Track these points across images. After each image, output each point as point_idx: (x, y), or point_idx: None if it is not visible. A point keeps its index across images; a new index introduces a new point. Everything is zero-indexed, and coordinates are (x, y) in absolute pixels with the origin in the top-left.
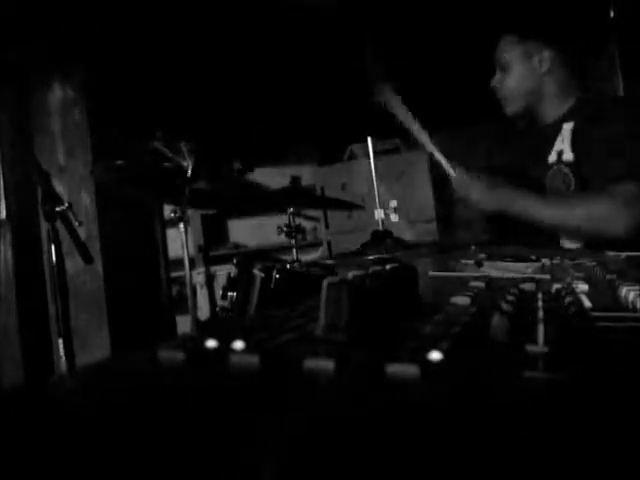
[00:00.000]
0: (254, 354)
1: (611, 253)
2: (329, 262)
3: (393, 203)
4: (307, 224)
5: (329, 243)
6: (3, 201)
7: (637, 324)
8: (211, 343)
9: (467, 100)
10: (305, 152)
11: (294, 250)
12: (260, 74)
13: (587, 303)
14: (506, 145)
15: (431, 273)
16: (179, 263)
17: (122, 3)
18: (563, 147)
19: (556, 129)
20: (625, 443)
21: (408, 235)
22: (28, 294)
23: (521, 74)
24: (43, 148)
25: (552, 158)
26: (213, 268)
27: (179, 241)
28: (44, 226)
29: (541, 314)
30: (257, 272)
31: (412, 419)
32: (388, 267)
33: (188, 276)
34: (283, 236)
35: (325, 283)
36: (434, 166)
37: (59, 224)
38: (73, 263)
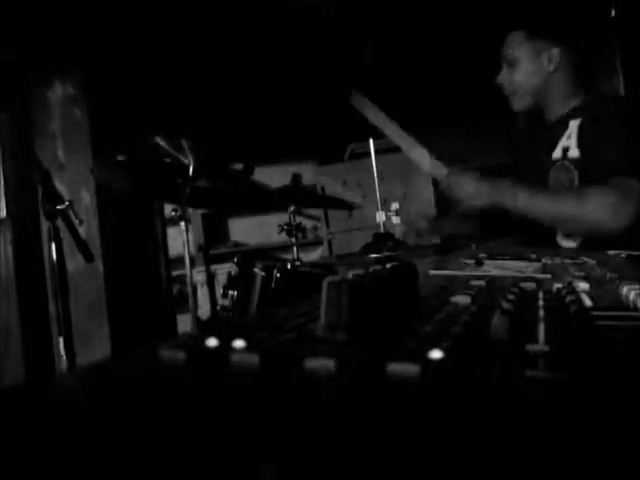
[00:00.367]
0: (254, 353)
1: (612, 252)
2: (329, 261)
3: (395, 205)
4: (308, 223)
5: (329, 242)
6: (3, 199)
7: (638, 323)
8: (212, 342)
9: (466, 98)
10: (306, 151)
11: (295, 249)
12: (261, 73)
13: (588, 302)
14: (506, 142)
15: (431, 272)
16: (180, 262)
17: (123, 2)
18: (569, 144)
19: (563, 126)
20: (626, 442)
21: (411, 240)
22: (29, 293)
23: (529, 71)
24: (43, 146)
25: (557, 154)
26: (214, 267)
27: (180, 240)
28: (44, 224)
29: (542, 313)
30: (258, 271)
31: (413, 418)
32: (388, 266)
33: (189, 275)
34: (284, 235)
35: (325, 282)
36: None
37: (59, 222)
38: (74, 261)
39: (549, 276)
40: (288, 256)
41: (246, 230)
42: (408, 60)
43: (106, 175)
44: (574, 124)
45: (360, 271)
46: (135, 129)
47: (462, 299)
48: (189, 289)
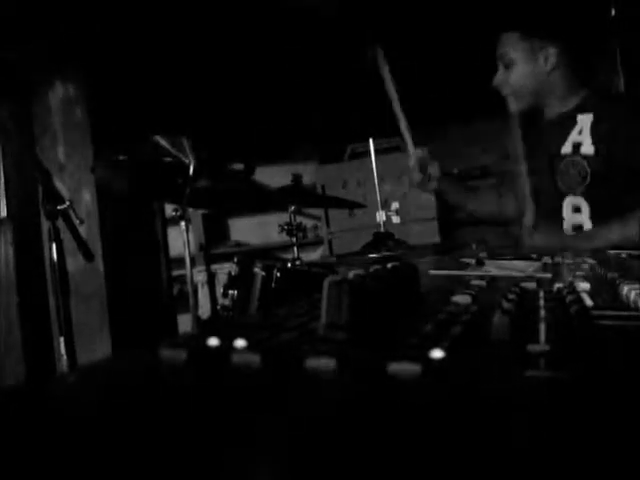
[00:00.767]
0: (255, 353)
1: (612, 251)
2: (330, 261)
3: (395, 205)
4: (308, 222)
5: (330, 242)
6: (4, 199)
7: (638, 323)
8: (212, 342)
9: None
10: (306, 151)
11: (295, 248)
12: (261, 73)
13: (588, 302)
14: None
15: (432, 272)
16: (180, 261)
17: (123, 2)
18: (581, 139)
19: (570, 120)
20: (626, 442)
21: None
22: (29, 292)
23: (527, 71)
24: (44, 146)
25: (567, 149)
26: (214, 266)
27: (180, 239)
28: (45, 224)
29: (542, 313)
30: (258, 270)
31: (414, 418)
32: (389, 266)
33: (189, 274)
34: (284, 234)
35: (326, 282)
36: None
37: (60, 222)
38: (74, 261)
39: (549, 276)
40: (288, 256)
41: (246, 230)
42: (408, 60)
43: (106, 175)
44: (584, 119)
45: (361, 271)
46: (135, 129)
47: (463, 299)
48: (189, 289)
